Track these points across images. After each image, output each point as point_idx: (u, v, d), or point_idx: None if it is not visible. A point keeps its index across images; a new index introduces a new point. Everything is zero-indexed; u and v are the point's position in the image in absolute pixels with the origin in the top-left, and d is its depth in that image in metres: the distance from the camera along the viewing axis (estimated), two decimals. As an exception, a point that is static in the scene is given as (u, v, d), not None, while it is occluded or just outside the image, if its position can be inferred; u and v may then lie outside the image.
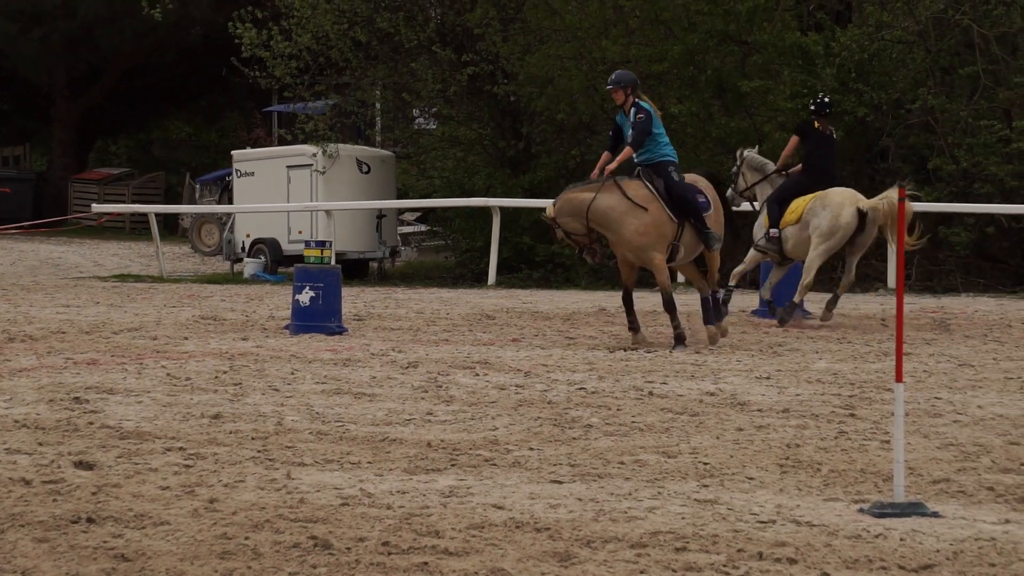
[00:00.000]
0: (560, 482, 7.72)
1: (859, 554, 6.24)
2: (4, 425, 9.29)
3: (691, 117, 26.95)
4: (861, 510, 7.05)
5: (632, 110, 14.86)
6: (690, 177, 15.28)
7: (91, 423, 9.41)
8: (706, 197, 15.04)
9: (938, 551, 6.31)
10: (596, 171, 15.03)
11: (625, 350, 14.36)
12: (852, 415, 10.06)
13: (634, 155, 14.92)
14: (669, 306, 14.89)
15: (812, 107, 18.64)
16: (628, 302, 15.06)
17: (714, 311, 15.13)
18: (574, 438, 9.10)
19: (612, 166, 14.86)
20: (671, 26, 27.75)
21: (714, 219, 15.15)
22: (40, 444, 8.61)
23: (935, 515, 6.94)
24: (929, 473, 7.96)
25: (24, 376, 11.84)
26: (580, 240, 14.93)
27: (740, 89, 26.40)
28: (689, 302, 20.12)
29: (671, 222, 14.73)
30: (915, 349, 14.31)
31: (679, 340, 14.69)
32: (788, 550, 6.27)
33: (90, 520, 6.62)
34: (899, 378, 7.27)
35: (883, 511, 6.95)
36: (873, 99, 25.74)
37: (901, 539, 6.50)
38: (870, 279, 25.52)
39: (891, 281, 24.23)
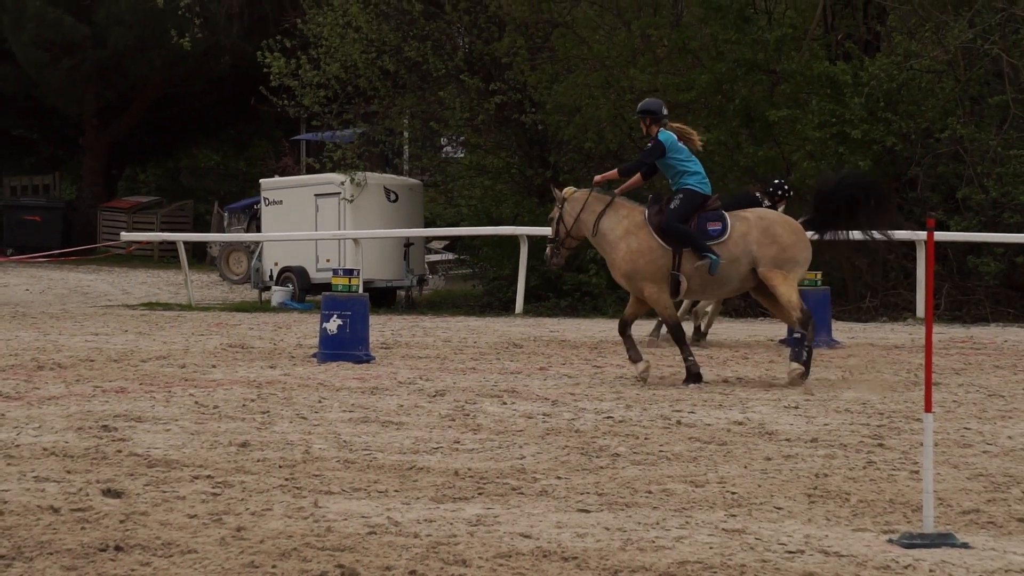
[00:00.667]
0: (587, 511, 7.69)
1: (888, 585, 6.21)
2: (33, 453, 9.32)
3: (719, 146, 26.94)
4: (890, 541, 7.01)
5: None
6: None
7: (119, 451, 9.43)
8: (723, 224, 14.07)
9: (968, 582, 6.28)
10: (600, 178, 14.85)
11: (645, 380, 14.32)
12: (881, 445, 10.02)
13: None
14: (676, 338, 14.28)
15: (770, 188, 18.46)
16: (623, 333, 14.19)
17: (793, 349, 14.08)
18: (601, 467, 9.08)
19: (619, 190, 14.68)
20: (699, 55, 27.78)
21: (754, 247, 13.97)
22: (68, 472, 8.62)
23: (965, 546, 6.90)
24: (959, 504, 7.92)
25: (53, 404, 11.88)
26: (562, 233, 14.74)
27: (768, 118, 26.41)
28: (718, 330, 20.09)
29: (662, 249, 14.04)
30: (944, 379, 14.25)
31: (691, 375, 13.89)
32: (817, 580, 6.25)
33: (118, 548, 6.63)
34: (928, 408, 7.24)
35: (912, 542, 6.91)
36: (902, 128, 25.71)
37: (930, 570, 6.46)
38: (899, 309, 25.45)
39: (920, 311, 24.15)
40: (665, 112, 14.80)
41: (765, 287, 14.08)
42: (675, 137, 14.53)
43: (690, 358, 14.05)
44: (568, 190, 14.90)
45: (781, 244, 13.93)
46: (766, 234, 13.95)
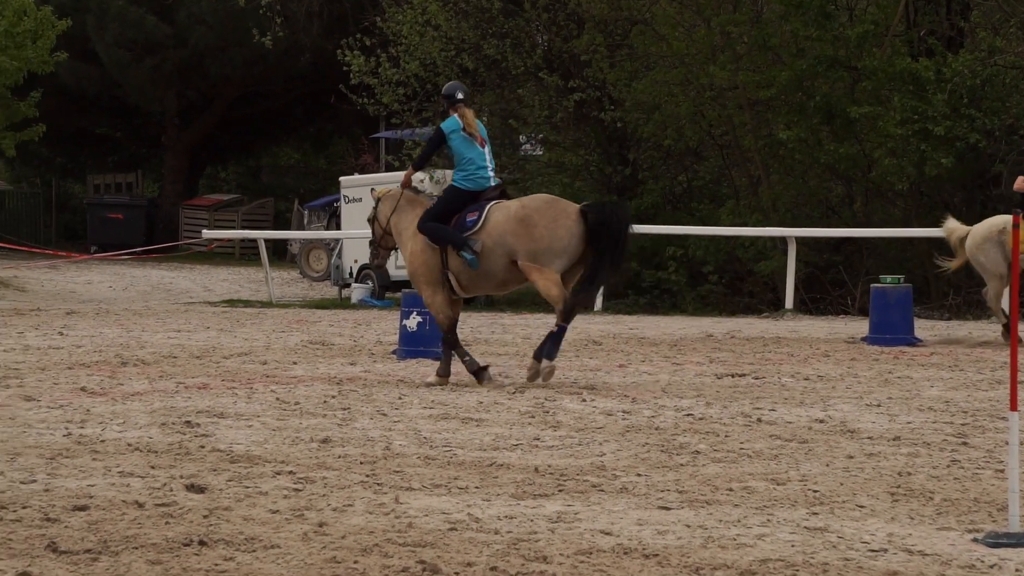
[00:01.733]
0: (668, 508, 7.68)
1: (973, 584, 6.16)
2: (118, 448, 9.41)
3: (799, 143, 26.79)
4: (975, 540, 6.95)
5: None
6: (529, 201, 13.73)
7: (202, 447, 9.50)
8: (479, 214, 13.39)
9: (1054, 582, 6.21)
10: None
11: (733, 376, 14.26)
12: (965, 443, 9.93)
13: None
14: (446, 342, 13.68)
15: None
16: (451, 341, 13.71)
17: (548, 345, 13.39)
18: (682, 464, 9.05)
19: (404, 181, 14.32)
20: (779, 52, 27.62)
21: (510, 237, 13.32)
22: (152, 467, 8.70)
23: (1051, 546, 6.82)
24: (1044, 503, 7.83)
25: (137, 400, 11.99)
26: (378, 234, 14.45)
27: (849, 115, 26.21)
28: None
29: (431, 250, 13.63)
30: (1029, 377, 14.09)
31: (476, 374, 13.48)
32: (900, 579, 6.20)
33: (202, 543, 6.68)
34: (1014, 407, 7.17)
35: (998, 541, 6.84)
36: (985, 125, 25.45)
37: (1016, 570, 6.40)
38: (983, 306, 25.21)
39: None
40: (460, 96, 13.91)
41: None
42: (460, 125, 13.72)
43: (466, 358, 13.58)
44: (382, 190, 14.59)
45: (534, 235, 13.13)
46: (522, 224, 13.17)
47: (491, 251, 13.34)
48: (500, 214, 13.37)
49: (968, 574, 6.34)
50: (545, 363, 13.27)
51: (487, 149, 13.89)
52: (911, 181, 26.71)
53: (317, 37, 40.57)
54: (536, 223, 13.15)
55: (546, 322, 23.16)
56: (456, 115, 13.78)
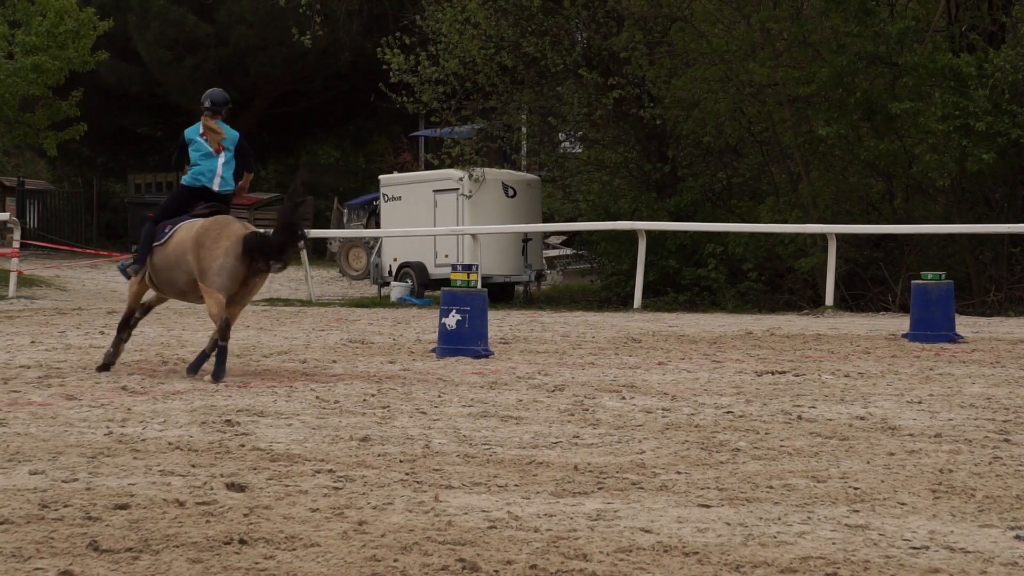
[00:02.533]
0: (708, 506, 7.65)
1: (1015, 582, 6.12)
2: (158, 447, 9.44)
3: (839, 139, 26.71)
4: (1017, 537, 6.91)
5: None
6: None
7: (242, 445, 9.53)
8: (172, 227, 13.82)
9: (1097, 580, 6.17)
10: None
11: (772, 374, 14.23)
12: (1007, 440, 9.88)
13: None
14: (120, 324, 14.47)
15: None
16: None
17: (201, 363, 13.74)
18: (722, 462, 9.03)
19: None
20: (819, 48, 27.55)
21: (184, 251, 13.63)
22: (193, 466, 8.72)
23: (1094, 543, 6.78)
24: (1087, 500, 7.79)
25: (177, 399, 12.03)
26: None
27: (890, 111, 26.12)
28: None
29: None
30: (1071, 374, 14.02)
31: (102, 366, 14.19)
32: (942, 577, 6.17)
33: (242, 542, 6.69)
34: (1056, 403, 7.13)
35: (1040, 539, 6.81)
36: (1027, 120, 25.32)
37: (1059, 567, 6.36)
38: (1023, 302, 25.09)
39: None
40: (207, 105, 14.43)
41: None
42: (199, 131, 14.19)
43: (113, 349, 14.27)
44: None
45: (201, 255, 13.28)
46: (195, 243, 13.33)
47: (175, 264, 13.57)
48: (184, 232, 13.59)
49: (1011, 572, 6.30)
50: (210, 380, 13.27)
51: (222, 157, 14.04)
52: (952, 177, 26.60)
53: (356, 35, 40.68)
54: (204, 244, 13.31)
55: (585, 320, 23.16)
56: (200, 121, 14.28)
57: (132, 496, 7.73)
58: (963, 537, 6.94)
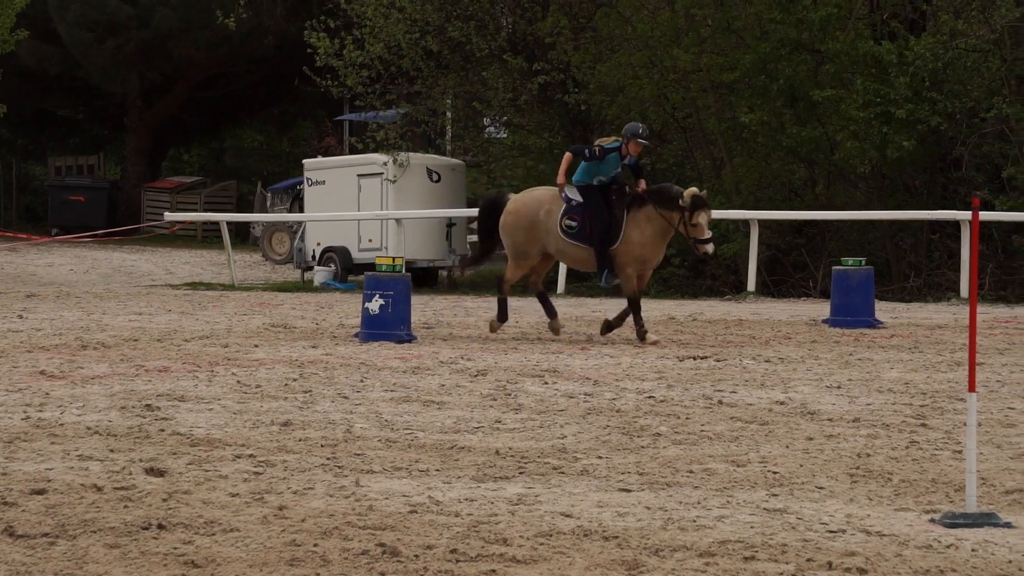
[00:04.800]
0: (628, 490, 7.69)
1: (930, 564, 6.18)
2: (76, 432, 9.37)
3: (762, 126, 26.86)
4: (932, 520, 6.98)
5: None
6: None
7: (162, 430, 9.47)
8: None
9: (1010, 562, 6.24)
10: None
11: (694, 359, 14.30)
12: (924, 425, 9.98)
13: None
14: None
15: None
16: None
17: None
18: (643, 446, 9.07)
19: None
20: (743, 35, 27.67)
21: None
22: (112, 451, 8.67)
23: (1008, 526, 6.86)
24: (1002, 484, 7.88)
25: (97, 383, 11.94)
26: None
27: (812, 98, 26.28)
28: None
29: None
30: (988, 359, 14.17)
31: None
32: (858, 560, 6.22)
33: (161, 526, 6.66)
34: (972, 388, 7.20)
35: (955, 521, 6.88)
36: (947, 108, 25.54)
37: (973, 550, 6.43)
38: (943, 289, 25.34)
39: (964, 291, 24.02)
40: None
41: None
42: None
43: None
44: None
45: None
46: None
47: None
48: None
49: (925, 554, 6.37)
50: None
51: None
52: (873, 164, 26.81)
53: (281, 19, 40.48)
54: None
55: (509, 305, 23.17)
56: None
57: (49, 481, 7.67)
58: (879, 521, 7.00)
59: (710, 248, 16.29)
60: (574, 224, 16.22)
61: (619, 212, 16.13)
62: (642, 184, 16.32)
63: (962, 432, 9.30)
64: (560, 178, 16.55)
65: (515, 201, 16.83)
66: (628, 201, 16.14)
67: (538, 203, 16.60)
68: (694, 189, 16.30)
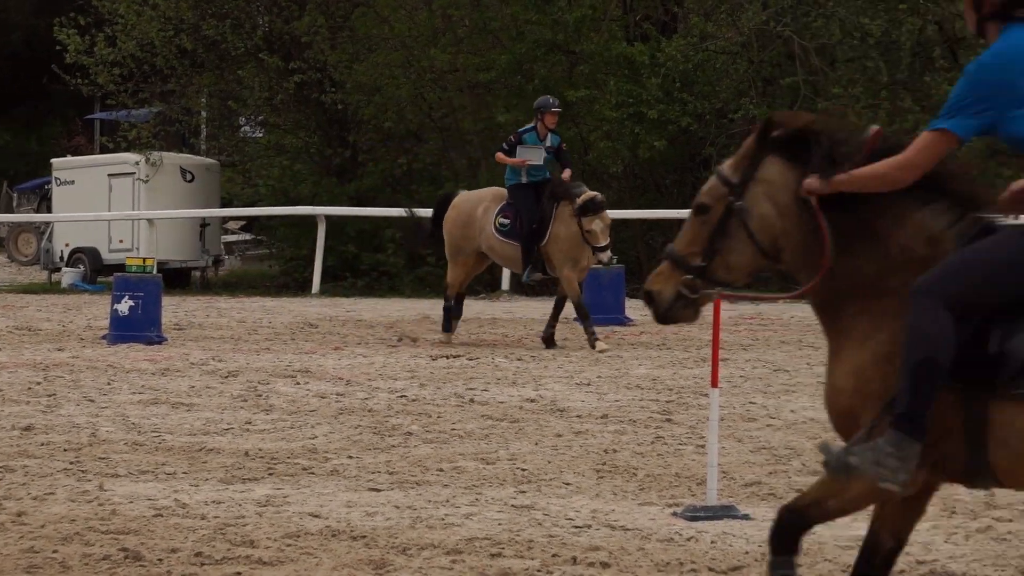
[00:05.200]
0: (378, 490, 7.70)
1: (671, 557, 6.31)
2: None
3: (517, 126, 27.03)
4: (675, 514, 7.13)
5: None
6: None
7: (-103, 436, 9.18)
8: None
9: (747, 552, 6.40)
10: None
11: (447, 358, 14.35)
12: (669, 420, 10.17)
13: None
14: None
15: None
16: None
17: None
18: (393, 446, 9.08)
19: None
20: (499, 35, 27.86)
21: None
22: None
23: (746, 517, 7.04)
24: (742, 476, 8.08)
25: None
26: None
27: (566, 98, 26.55)
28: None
29: None
30: (732, 355, 14.49)
31: None
32: (602, 554, 6.32)
33: None
34: (715, 383, 7.37)
35: (696, 514, 7.04)
36: (697, 109, 26.06)
37: (712, 542, 6.58)
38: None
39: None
40: None
41: None
42: None
43: None
44: None
45: None
46: None
47: None
48: None
49: (666, 547, 6.50)
50: None
51: None
52: (625, 163, 27.23)
53: (29, 14, 39.50)
54: None
55: (263, 305, 22.99)
56: None
57: None
58: (624, 515, 7.12)
59: (604, 257, 15.83)
60: (507, 222, 16.00)
61: (548, 209, 15.92)
62: (567, 174, 16.24)
63: (705, 427, 9.50)
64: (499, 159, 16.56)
65: (459, 197, 16.80)
66: (553, 195, 15.99)
67: (479, 200, 16.52)
68: (590, 193, 15.86)
